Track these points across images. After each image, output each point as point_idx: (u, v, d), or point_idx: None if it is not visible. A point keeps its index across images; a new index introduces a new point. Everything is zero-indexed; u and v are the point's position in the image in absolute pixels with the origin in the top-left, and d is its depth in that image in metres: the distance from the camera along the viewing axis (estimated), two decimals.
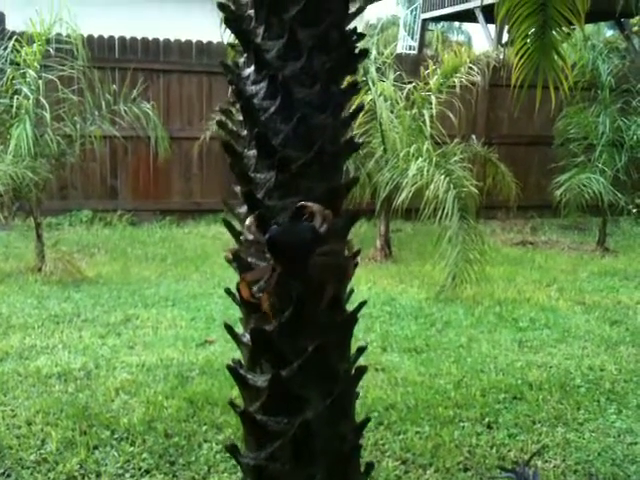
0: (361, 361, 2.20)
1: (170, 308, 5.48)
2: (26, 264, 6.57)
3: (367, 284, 6.28)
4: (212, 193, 9.16)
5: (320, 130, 2.00)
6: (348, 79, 2.21)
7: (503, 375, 4.20)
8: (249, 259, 2.02)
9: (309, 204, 1.90)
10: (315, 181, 1.99)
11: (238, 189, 2.04)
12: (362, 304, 2.19)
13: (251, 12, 2.04)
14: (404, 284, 6.44)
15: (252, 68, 2.04)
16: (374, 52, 7.16)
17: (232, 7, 2.09)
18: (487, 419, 3.59)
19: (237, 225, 2.14)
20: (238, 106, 2.07)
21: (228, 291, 2.13)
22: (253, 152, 2.03)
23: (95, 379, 4.00)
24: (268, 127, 1.98)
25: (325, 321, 2.01)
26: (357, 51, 2.13)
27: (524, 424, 3.56)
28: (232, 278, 2.18)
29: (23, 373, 4.06)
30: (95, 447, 3.20)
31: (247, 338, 2.05)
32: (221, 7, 2.07)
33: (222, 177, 8.86)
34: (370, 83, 6.93)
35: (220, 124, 2.18)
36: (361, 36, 2.14)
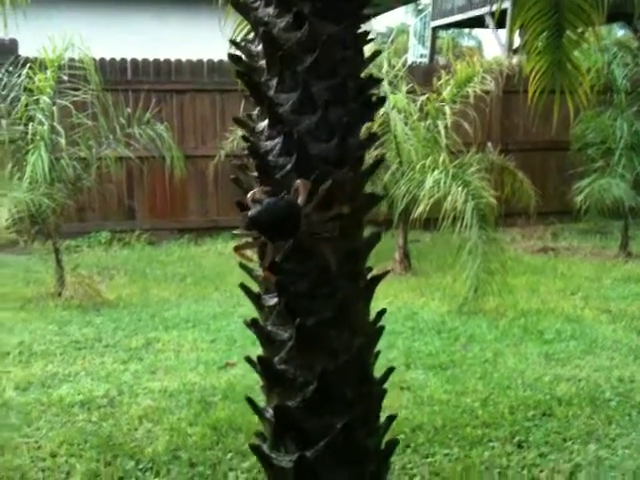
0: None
1: (191, 330, 5.45)
2: (46, 289, 6.58)
3: (387, 298, 6.20)
4: (228, 210, 9.13)
5: (339, 186, 1.88)
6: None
7: (531, 391, 4.12)
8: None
9: (298, 181, 1.87)
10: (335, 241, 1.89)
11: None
12: (390, 370, 2.11)
13: (263, 63, 1.93)
14: (425, 297, 6.37)
15: (266, 122, 1.94)
16: (386, 65, 7.12)
17: (244, 58, 1.99)
18: (517, 438, 3.52)
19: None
20: (253, 162, 1.99)
21: (249, 359, 2.07)
22: None
23: (118, 407, 3.98)
24: (284, 185, 1.89)
25: (352, 395, 1.89)
26: (374, 99, 2.02)
27: (555, 442, 3.48)
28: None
29: (46, 402, 4.04)
30: (120, 479, 3.17)
31: (270, 413, 1.95)
32: (232, 58, 1.98)
33: (237, 194, 8.84)
34: None
35: (235, 181, 2.10)
36: (378, 81, 2.04)
